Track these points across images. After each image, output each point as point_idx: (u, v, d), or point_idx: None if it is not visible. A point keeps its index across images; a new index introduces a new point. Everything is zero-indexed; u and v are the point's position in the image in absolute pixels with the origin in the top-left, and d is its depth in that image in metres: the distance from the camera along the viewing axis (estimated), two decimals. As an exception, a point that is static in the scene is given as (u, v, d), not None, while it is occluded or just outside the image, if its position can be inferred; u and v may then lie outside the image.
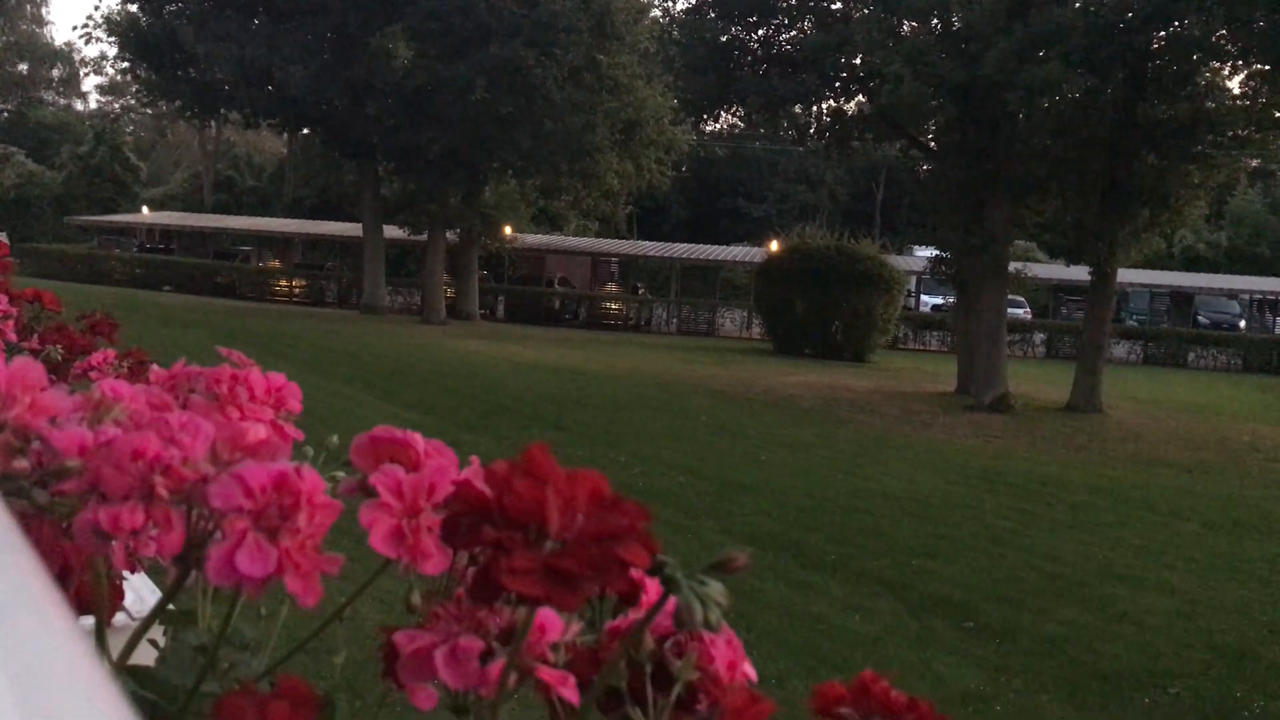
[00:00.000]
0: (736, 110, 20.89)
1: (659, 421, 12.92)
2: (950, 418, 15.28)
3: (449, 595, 0.50)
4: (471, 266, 29.50)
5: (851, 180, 53.83)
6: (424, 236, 28.04)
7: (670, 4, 21.43)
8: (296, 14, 24.90)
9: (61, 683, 0.29)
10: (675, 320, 33.07)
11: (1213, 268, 42.45)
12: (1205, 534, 8.89)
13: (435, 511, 0.50)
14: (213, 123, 39.55)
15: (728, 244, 40.60)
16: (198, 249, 39.51)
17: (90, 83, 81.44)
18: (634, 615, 0.50)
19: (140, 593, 0.84)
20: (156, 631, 0.57)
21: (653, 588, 0.47)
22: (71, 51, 64.92)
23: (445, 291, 28.93)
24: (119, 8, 27.66)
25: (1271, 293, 35.44)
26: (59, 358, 1.27)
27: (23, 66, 63.63)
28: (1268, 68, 14.64)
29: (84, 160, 50.08)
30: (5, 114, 60.79)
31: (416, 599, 0.53)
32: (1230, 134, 16.06)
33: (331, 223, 38.43)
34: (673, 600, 0.45)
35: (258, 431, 0.54)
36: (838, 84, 18.69)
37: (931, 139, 19.36)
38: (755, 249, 33.82)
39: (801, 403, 15.88)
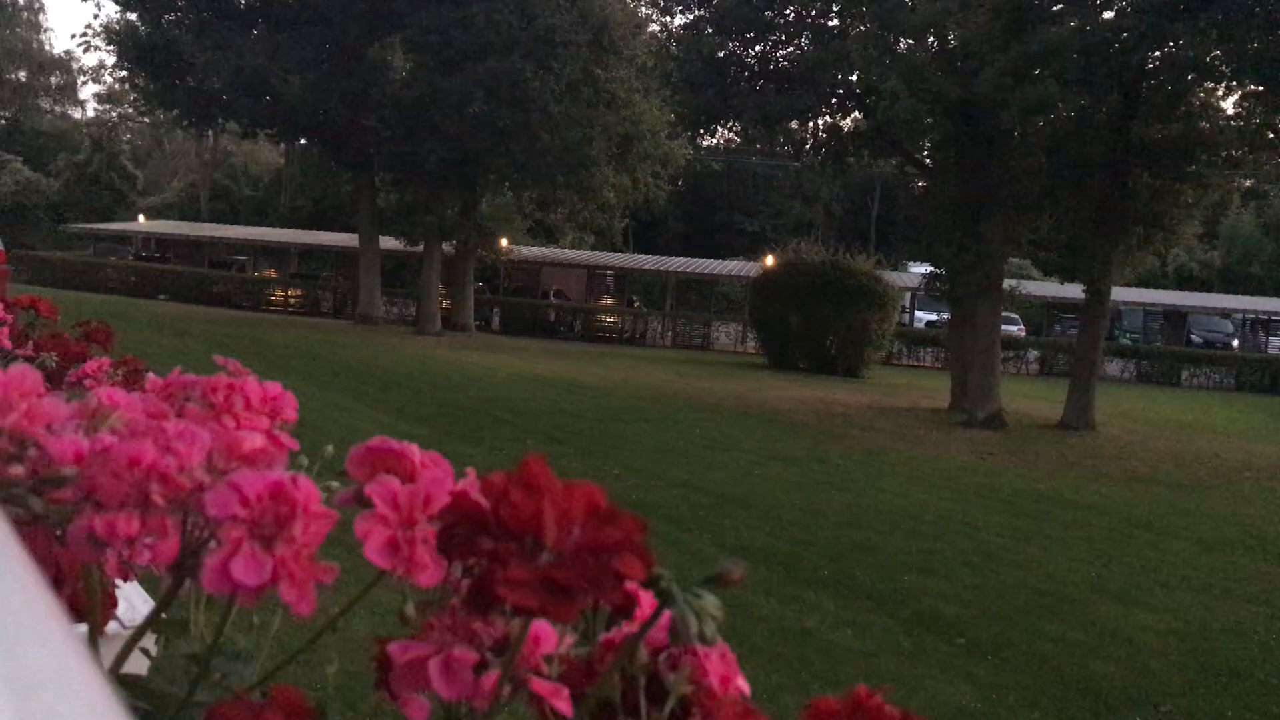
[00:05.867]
0: (733, 125, 20.97)
1: (653, 435, 12.91)
2: (944, 434, 15.29)
3: (443, 607, 0.50)
4: (467, 278, 29.50)
5: (847, 196, 53.98)
6: (420, 247, 28.05)
7: (668, 19, 21.44)
8: (295, 24, 24.95)
9: (58, 687, 0.29)
10: (670, 334, 33.09)
11: (1206, 287, 42.69)
12: (1198, 552, 8.89)
13: (431, 523, 0.50)
14: (210, 132, 39.59)
15: (723, 258, 40.68)
16: (194, 258, 39.52)
17: (88, 91, 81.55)
18: (628, 628, 0.50)
19: (133, 601, 0.83)
20: (149, 640, 0.57)
21: (647, 601, 0.47)
22: (70, 60, 65.07)
23: (440, 302, 28.92)
24: (118, 16, 27.69)
25: (1264, 312, 35.61)
26: (54, 365, 1.27)
27: (21, 74, 63.67)
28: (1261, 88, 14.72)
29: (81, 168, 50.13)
30: (2, 121, 60.79)
31: (410, 610, 0.52)
32: (1224, 154, 16.15)
33: (327, 233, 38.49)
34: (667, 613, 0.45)
35: (253, 440, 0.54)
36: (834, 100, 18.77)
37: (927, 156, 19.44)
38: (750, 263, 33.90)
39: (795, 417, 15.88)
